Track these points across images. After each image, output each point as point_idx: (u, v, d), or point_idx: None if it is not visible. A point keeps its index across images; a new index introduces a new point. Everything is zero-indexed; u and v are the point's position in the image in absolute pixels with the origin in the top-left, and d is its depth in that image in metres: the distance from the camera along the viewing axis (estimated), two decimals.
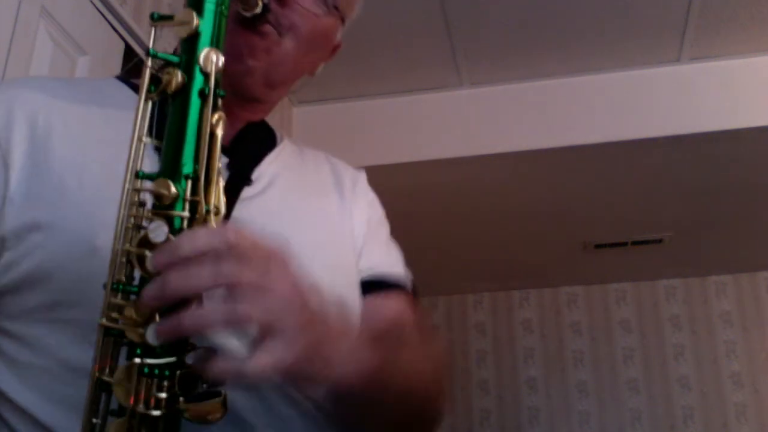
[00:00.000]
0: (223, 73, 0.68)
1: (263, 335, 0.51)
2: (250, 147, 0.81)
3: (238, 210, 0.72)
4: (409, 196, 3.27)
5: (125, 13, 1.84)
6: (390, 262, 0.86)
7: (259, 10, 0.69)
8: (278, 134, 0.88)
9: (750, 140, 2.92)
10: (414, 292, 0.87)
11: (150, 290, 0.50)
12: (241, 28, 0.71)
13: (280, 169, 0.81)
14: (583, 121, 2.97)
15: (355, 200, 0.87)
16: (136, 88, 0.77)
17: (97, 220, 0.64)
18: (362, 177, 0.92)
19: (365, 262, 0.82)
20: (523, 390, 4.66)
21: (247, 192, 0.75)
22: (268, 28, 0.73)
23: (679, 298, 4.67)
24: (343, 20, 0.82)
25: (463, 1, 2.59)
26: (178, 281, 0.49)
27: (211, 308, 0.50)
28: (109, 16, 1.79)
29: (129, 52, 1.87)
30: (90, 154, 0.69)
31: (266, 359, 0.51)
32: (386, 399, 0.66)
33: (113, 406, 0.53)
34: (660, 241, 4.02)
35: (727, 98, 2.88)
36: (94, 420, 0.53)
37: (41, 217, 0.65)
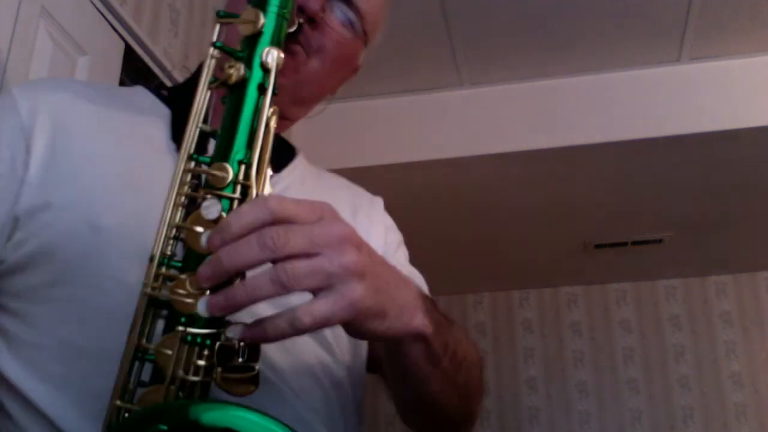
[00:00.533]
0: None
1: (321, 287, 0.52)
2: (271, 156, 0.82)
3: None
4: (408, 195, 3.27)
5: (125, 13, 1.84)
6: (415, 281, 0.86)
7: (294, 28, 0.71)
8: (296, 149, 0.90)
9: (750, 140, 2.92)
10: None
11: (204, 270, 0.52)
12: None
13: (295, 181, 0.83)
14: (583, 121, 2.97)
15: (371, 223, 0.87)
16: (162, 97, 0.81)
17: (103, 202, 0.68)
18: (379, 202, 0.94)
19: None
20: (523, 390, 4.66)
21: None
22: (297, 48, 0.76)
23: (679, 298, 4.67)
24: (366, 44, 0.84)
25: (463, 1, 2.59)
26: (231, 258, 0.50)
27: (260, 278, 0.51)
28: (109, 16, 1.79)
29: (129, 52, 1.87)
30: (105, 149, 0.72)
31: (322, 304, 0.51)
32: (441, 363, 0.66)
33: (143, 377, 0.54)
34: (660, 241, 4.02)
35: (727, 98, 2.88)
36: (129, 387, 0.54)
37: (52, 199, 0.68)
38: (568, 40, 2.82)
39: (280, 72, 0.74)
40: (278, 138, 0.86)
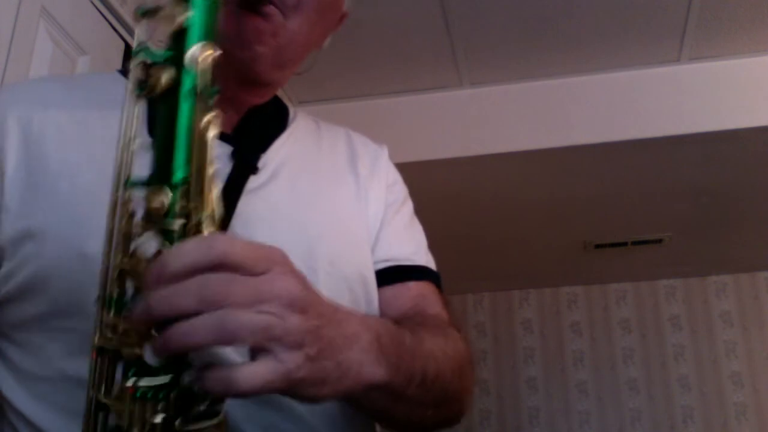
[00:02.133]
0: (230, 60, 0.64)
1: (260, 347, 0.48)
2: (255, 133, 0.77)
3: (243, 202, 0.70)
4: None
5: (125, 13, 1.84)
6: (409, 249, 0.81)
7: None
8: (291, 111, 0.84)
9: (750, 140, 2.92)
10: (437, 277, 0.82)
11: (136, 314, 0.47)
12: (243, 11, 0.68)
13: (291, 153, 0.78)
14: (583, 121, 2.97)
15: (372, 181, 0.82)
16: None
17: (86, 228, 0.62)
18: (383, 154, 0.88)
19: (381, 251, 0.78)
20: (523, 390, 4.66)
21: (252, 182, 0.72)
22: (271, 9, 0.69)
23: (679, 298, 4.67)
24: None
25: (463, 1, 2.58)
26: (162, 302, 0.46)
27: (199, 324, 0.46)
28: (109, 16, 1.79)
29: (129, 52, 1.87)
30: (84, 155, 0.67)
31: (261, 370, 0.48)
32: (407, 395, 0.62)
33: (112, 423, 0.50)
34: (660, 241, 4.02)
35: (727, 98, 2.88)
36: None
37: (34, 225, 0.64)
38: (568, 40, 2.82)
39: (257, 41, 0.69)
40: (266, 108, 0.80)
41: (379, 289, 0.76)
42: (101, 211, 0.59)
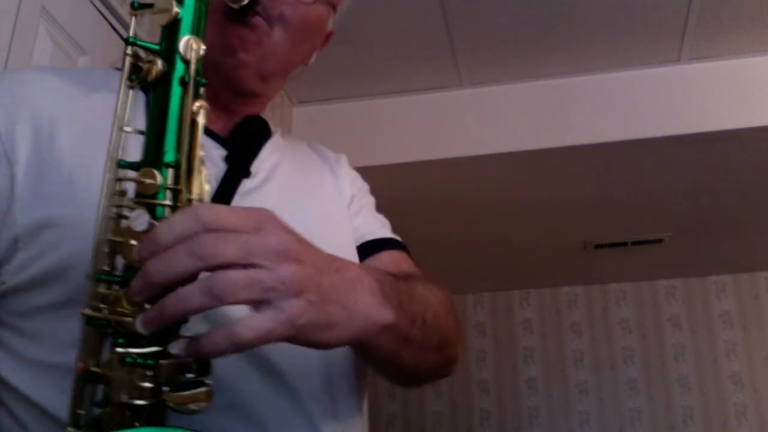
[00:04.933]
0: (217, 66, 0.68)
1: (258, 300, 0.50)
2: (248, 140, 0.80)
3: (237, 203, 0.71)
4: (408, 196, 3.27)
5: (125, 13, 1.84)
6: (376, 226, 0.86)
7: (246, 1, 0.68)
8: (271, 125, 0.88)
9: (750, 140, 2.92)
10: (406, 248, 0.87)
11: (135, 284, 0.49)
12: (230, 21, 0.71)
13: (279, 160, 0.81)
14: (583, 121, 2.97)
15: (338, 179, 0.88)
16: None
17: None
18: (344, 158, 0.93)
19: (356, 234, 0.83)
20: (523, 390, 4.66)
21: (246, 185, 0.74)
22: (257, 20, 0.73)
23: (679, 298, 4.67)
24: (334, 8, 0.81)
25: (463, 1, 2.58)
26: (159, 270, 0.48)
27: (191, 289, 0.48)
28: (109, 16, 1.79)
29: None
30: (95, 149, 0.68)
31: (261, 320, 0.49)
32: (412, 337, 0.64)
33: (98, 397, 0.52)
34: (660, 241, 4.02)
35: (727, 98, 2.88)
36: (80, 411, 0.52)
37: (54, 214, 0.64)
38: (568, 40, 2.82)
39: (242, 48, 0.73)
40: (255, 119, 0.84)
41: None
42: None
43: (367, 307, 0.57)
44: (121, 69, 0.78)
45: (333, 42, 0.87)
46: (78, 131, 0.69)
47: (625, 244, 4.08)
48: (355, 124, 3.15)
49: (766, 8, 2.66)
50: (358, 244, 0.82)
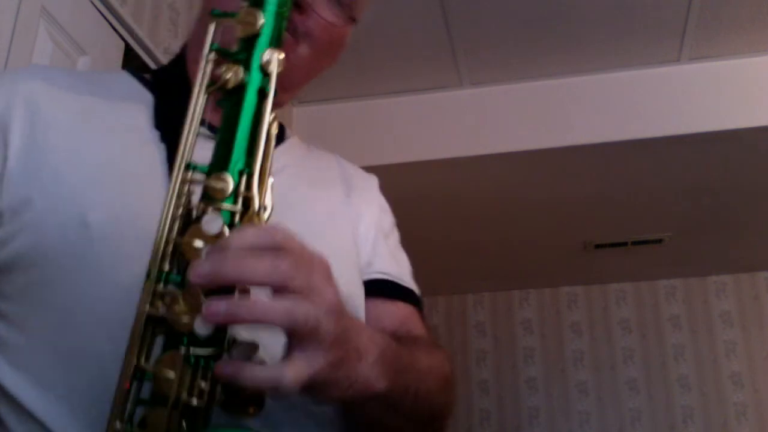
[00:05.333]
0: None
1: (301, 341, 0.51)
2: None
3: None
4: (409, 195, 3.27)
5: (125, 13, 1.84)
6: (401, 270, 0.85)
7: None
8: (287, 130, 0.89)
9: (750, 140, 2.92)
10: (421, 304, 0.86)
11: (201, 268, 0.49)
12: None
13: (289, 161, 0.82)
14: (583, 121, 2.97)
15: (364, 201, 0.86)
16: (145, 82, 0.78)
17: (89, 199, 0.65)
18: (374, 181, 0.93)
19: (377, 264, 0.82)
20: (523, 390, 4.66)
21: None
22: (284, 34, 0.73)
23: (679, 298, 4.67)
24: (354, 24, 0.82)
25: (463, 1, 2.59)
26: (235, 267, 0.48)
27: (274, 302, 0.49)
28: (109, 16, 1.79)
29: (129, 52, 1.87)
30: (87, 141, 0.70)
31: (302, 366, 0.50)
32: (401, 407, 0.65)
33: (143, 395, 0.52)
34: (660, 241, 4.02)
35: (727, 98, 2.88)
36: (127, 407, 0.52)
37: (34, 194, 0.65)
38: (568, 40, 2.82)
39: None
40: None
41: (368, 299, 0.79)
42: (102, 188, 0.65)
43: (366, 378, 0.57)
44: (133, 72, 0.81)
45: None
46: (72, 123, 0.70)
47: (625, 244, 4.08)
48: (355, 124, 3.15)
49: (766, 8, 2.66)
50: (379, 277, 0.81)
